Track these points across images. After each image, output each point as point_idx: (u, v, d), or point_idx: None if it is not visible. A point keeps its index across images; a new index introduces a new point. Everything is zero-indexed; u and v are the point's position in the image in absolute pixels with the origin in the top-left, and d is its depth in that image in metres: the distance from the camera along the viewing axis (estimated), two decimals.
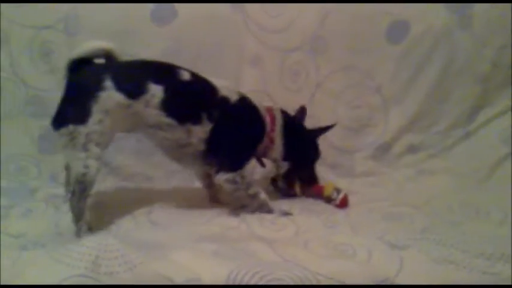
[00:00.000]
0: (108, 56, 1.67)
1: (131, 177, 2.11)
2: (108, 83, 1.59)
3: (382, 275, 1.35)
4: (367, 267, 1.39)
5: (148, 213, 1.77)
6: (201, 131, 1.72)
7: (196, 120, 1.71)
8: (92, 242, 1.44)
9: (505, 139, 2.18)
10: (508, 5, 2.22)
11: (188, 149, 1.74)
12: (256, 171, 2.11)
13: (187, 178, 2.11)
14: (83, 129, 1.56)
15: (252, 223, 1.69)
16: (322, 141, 2.20)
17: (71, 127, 1.56)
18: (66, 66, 1.62)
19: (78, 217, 1.62)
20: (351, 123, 2.27)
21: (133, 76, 1.66)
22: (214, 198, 1.94)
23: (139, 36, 2.15)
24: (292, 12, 2.21)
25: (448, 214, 1.78)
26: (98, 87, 1.58)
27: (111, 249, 1.41)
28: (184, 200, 1.91)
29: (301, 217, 1.77)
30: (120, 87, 1.60)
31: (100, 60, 1.69)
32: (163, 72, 1.71)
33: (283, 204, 1.89)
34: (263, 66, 2.20)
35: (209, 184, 1.93)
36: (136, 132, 1.75)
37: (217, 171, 1.76)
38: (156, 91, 1.63)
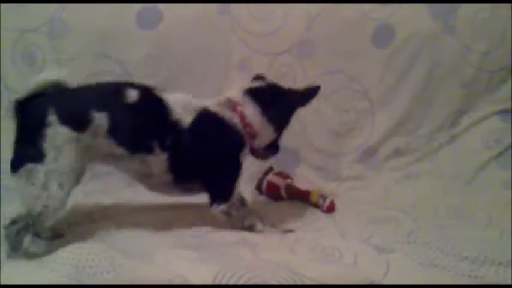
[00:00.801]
0: (57, 85, 1.54)
1: (114, 184, 2.03)
2: (52, 118, 1.47)
3: (369, 278, 1.36)
4: (354, 271, 1.40)
5: (132, 218, 1.76)
6: (157, 161, 1.59)
7: (148, 150, 1.57)
8: (75, 247, 1.43)
9: (488, 143, 2.20)
10: (491, 10, 2.24)
11: (154, 179, 1.64)
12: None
13: None
14: (40, 168, 1.46)
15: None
16: (309, 145, 2.21)
17: (28, 166, 1.46)
18: (12, 108, 1.51)
19: (14, 248, 1.49)
20: (337, 127, 2.26)
21: (77, 106, 1.54)
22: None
23: (124, 40, 2.13)
24: (279, 16, 2.21)
25: (434, 217, 1.79)
26: (43, 123, 1.47)
27: (94, 251, 1.40)
28: (168, 206, 1.88)
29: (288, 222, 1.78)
30: (64, 120, 1.48)
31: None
32: (107, 96, 1.57)
33: (272, 212, 1.88)
34: (250, 70, 2.19)
35: None
36: (97, 163, 1.65)
37: (210, 204, 1.66)
38: (100, 119, 1.51)
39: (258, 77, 1.83)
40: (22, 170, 1.47)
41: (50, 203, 1.48)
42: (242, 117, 1.68)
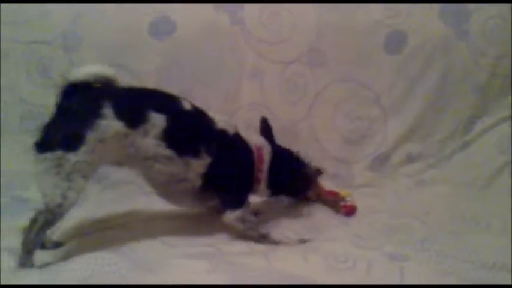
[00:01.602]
0: (107, 82, 1.56)
1: (128, 192, 2.05)
2: (108, 111, 1.48)
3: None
4: (368, 280, 1.39)
5: (146, 227, 1.77)
6: (199, 165, 1.63)
7: (196, 154, 1.62)
8: (87, 257, 1.44)
9: (502, 149, 2.18)
10: (503, 16, 2.23)
11: (184, 184, 1.66)
12: None
13: None
14: (71, 157, 1.45)
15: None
16: (322, 153, 2.21)
17: (58, 153, 1.44)
18: (61, 88, 1.51)
19: (28, 250, 1.48)
20: (349, 134, 2.26)
21: (134, 104, 1.56)
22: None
23: (137, 51, 2.15)
24: (290, 24, 2.22)
25: (448, 225, 1.77)
26: (97, 114, 1.47)
27: (108, 262, 1.41)
28: (181, 215, 1.89)
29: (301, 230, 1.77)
30: (120, 115, 1.50)
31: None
32: (164, 100, 1.62)
33: (284, 220, 1.87)
34: (262, 78, 2.21)
35: (218, 209, 1.78)
36: (127, 164, 1.64)
37: (224, 210, 1.69)
38: (157, 120, 1.54)
39: (263, 121, 1.95)
40: (51, 155, 1.45)
41: (70, 194, 1.47)
42: (260, 161, 1.79)
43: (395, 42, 2.25)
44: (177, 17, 2.16)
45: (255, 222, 1.71)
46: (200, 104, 2.15)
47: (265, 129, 1.93)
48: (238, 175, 1.73)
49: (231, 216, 1.67)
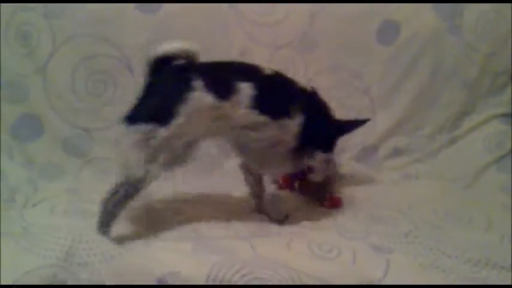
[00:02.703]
0: (189, 56, 1.57)
1: (108, 169, 1.99)
2: (197, 83, 1.48)
3: (369, 278, 1.33)
4: (353, 269, 1.37)
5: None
6: (293, 125, 1.62)
7: (289, 114, 1.62)
8: (65, 233, 1.39)
9: (490, 146, 2.17)
10: (496, 11, 2.21)
11: (280, 147, 1.65)
12: None
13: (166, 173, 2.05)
14: (162, 131, 1.45)
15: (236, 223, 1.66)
16: None
17: (149, 126, 1.45)
18: (148, 63, 1.53)
19: (106, 223, 1.49)
20: None
21: (221, 76, 1.57)
22: (260, 210, 1.82)
23: (123, 24, 2.08)
24: (282, 8, 2.17)
25: (432, 219, 1.75)
26: (187, 87, 1.48)
27: (86, 239, 1.36)
28: (162, 196, 1.84)
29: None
30: (209, 87, 1.50)
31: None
32: (247, 69, 1.63)
33: None
34: (251, 61, 2.14)
35: (257, 194, 1.83)
36: (218, 136, 1.67)
37: (312, 153, 1.70)
38: (246, 89, 1.54)
39: None
40: (141, 128, 1.45)
41: (153, 169, 1.47)
42: None
43: (388, 32, 2.21)
44: None
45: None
46: None
47: None
48: (328, 126, 1.75)
49: (321, 157, 1.71)
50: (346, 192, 2.00)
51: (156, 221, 1.66)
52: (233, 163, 1.93)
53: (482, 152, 2.17)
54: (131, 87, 2.06)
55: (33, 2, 2.03)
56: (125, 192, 1.48)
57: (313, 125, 1.67)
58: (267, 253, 1.42)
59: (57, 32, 2.03)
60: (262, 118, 1.58)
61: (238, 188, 1.86)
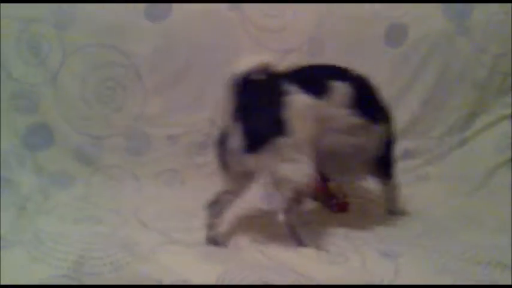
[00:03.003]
0: (267, 68, 1.51)
1: (118, 176, 2.05)
2: (291, 87, 1.45)
3: (377, 281, 1.32)
4: (362, 273, 1.36)
5: (136, 212, 1.72)
6: (377, 133, 1.63)
7: (376, 121, 1.61)
8: (76, 241, 1.39)
9: (500, 147, 2.16)
10: (505, 13, 2.20)
11: (365, 154, 1.65)
12: None
13: (175, 178, 2.07)
14: (286, 140, 1.42)
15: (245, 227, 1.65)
16: None
17: (274, 139, 1.41)
18: (234, 84, 1.47)
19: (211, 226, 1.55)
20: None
21: (312, 77, 1.55)
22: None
23: (131, 32, 2.10)
24: (290, 12, 2.17)
25: (442, 221, 1.75)
26: (283, 93, 1.45)
27: (96, 248, 1.36)
28: (172, 201, 1.87)
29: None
30: (304, 88, 1.47)
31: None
32: (336, 70, 1.61)
33: None
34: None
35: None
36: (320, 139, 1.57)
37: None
38: (341, 88, 1.53)
39: None
40: (268, 146, 1.41)
41: (305, 168, 1.45)
42: None
43: (396, 34, 2.21)
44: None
45: None
46: (195, 91, 2.14)
47: None
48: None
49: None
50: (356, 194, 1.99)
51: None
52: None
53: (493, 153, 2.16)
54: (140, 95, 2.10)
55: (32, 2, 2.05)
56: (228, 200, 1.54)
57: (394, 134, 1.67)
58: (277, 258, 1.42)
59: (66, 42, 2.06)
60: (358, 120, 1.55)
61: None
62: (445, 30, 2.21)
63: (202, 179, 2.01)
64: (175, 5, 2.11)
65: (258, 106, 1.46)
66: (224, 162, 1.50)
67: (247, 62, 1.50)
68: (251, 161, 1.44)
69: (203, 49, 2.14)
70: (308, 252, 1.47)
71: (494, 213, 1.78)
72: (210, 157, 2.06)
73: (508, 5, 2.21)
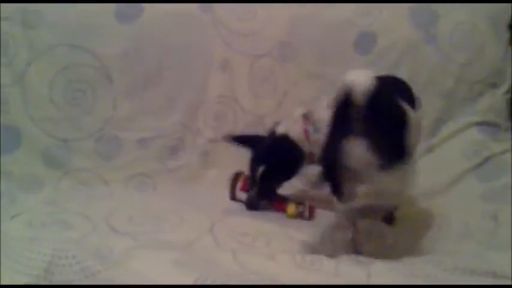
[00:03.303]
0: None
1: (88, 180, 2.01)
2: (402, 104, 1.46)
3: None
4: (336, 279, 1.37)
5: (107, 218, 1.69)
6: None
7: None
8: (44, 248, 1.35)
9: (467, 154, 2.18)
10: (471, 22, 2.26)
11: None
12: None
13: (146, 183, 2.05)
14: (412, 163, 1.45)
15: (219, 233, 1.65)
16: None
17: (400, 164, 1.40)
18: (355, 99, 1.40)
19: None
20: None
21: (406, 90, 1.62)
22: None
23: (101, 33, 2.07)
24: (262, 17, 2.19)
25: (409, 227, 1.78)
26: (403, 112, 1.45)
27: (66, 254, 1.33)
28: (143, 207, 1.84)
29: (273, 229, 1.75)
30: (407, 102, 1.50)
31: None
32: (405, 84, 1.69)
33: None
34: (231, 70, 2.16)
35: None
36: None
37: None
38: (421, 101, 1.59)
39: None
40: (399, 166, 1.40)
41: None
42: None
43: (365, 42, 2.24)
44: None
45: None
46: (167, 93, 2.11)
47: None
48: None
49: None
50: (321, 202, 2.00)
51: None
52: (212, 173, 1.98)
53: (460, 160, 2.18)
54: (111, 97, 2.06)
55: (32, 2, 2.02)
56: None
57: None
58: (250, 264, 1.41)
59: (34, 42, 2.02)
60: None
61: (219, 198, 1.87)
62: (412, 38, 2.25)
63: (173, 184, 1.99)
64: (146, 6, 2.09)
65: (383, 123, 1.40)
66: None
67: (359, 75, 1.46)
68: (384, 179, 1.41)
69: (175, 51, 2.13)
70: (282, 258, 1.46)
71: (460, 220, 1.80)
72: (182, 161, 2.07)
73: (476, 12, 2.26)
